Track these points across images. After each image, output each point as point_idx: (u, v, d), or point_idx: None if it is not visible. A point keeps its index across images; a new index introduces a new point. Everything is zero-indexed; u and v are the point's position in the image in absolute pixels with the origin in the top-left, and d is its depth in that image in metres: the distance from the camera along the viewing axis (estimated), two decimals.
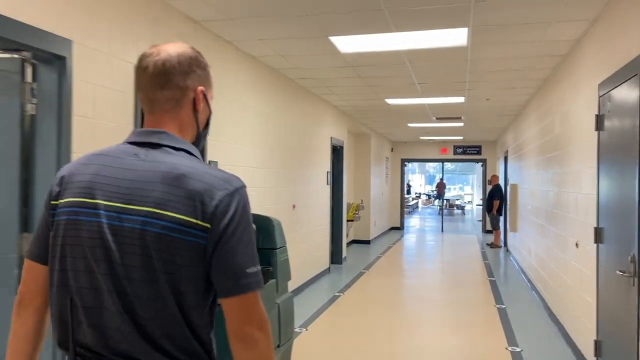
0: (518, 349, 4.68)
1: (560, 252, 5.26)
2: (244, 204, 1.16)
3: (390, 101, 7.92)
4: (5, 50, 2.51)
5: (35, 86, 2.59)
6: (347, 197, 10.80)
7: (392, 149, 15.63)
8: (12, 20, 2.37)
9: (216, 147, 4.47)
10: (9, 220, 2.53)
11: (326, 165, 8.22)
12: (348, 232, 10.67)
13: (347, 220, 10.31)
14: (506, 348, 4.71)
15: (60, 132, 2.63)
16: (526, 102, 7.90)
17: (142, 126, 1.26)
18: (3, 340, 1.30)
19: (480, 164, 15.65)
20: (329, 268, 8.37)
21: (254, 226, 1.30)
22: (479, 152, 15.20)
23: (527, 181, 8.03)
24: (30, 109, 2.57)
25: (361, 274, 8.32)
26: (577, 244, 4.52)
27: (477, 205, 24.66)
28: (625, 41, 3.27)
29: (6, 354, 1.23)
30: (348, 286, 7.33)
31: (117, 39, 3.14)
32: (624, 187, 3.24)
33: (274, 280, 3.25)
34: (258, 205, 5.30)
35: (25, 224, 2.56)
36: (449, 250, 11.80)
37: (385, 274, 8.36)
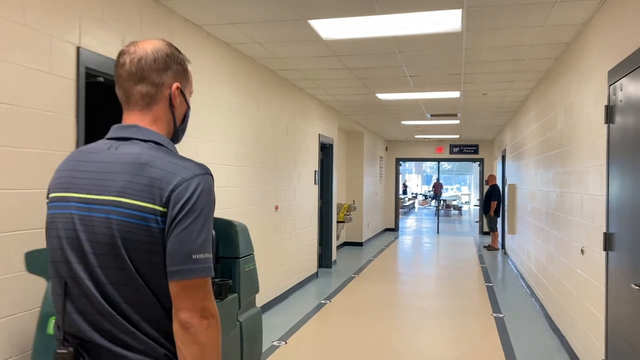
0: None
1: (563, 258, 4.83)
2: (202, 190, 1.16)
3: (381, 96, 7.48)
4: None
5: None
6: (337, 198, 10.35)
7: (386, 147, 15.19)
8: None
9: (183, 142, 4.02)
10: None
11: (314, 164, 7.77)
12: (339, 234, 10.22)
13: (338, 222, 9.87)
14: None
15: None
16: (525, 97, 7.46)
17: (120, 121, 1.32)
18: None
19: (478, 163, 15.22)
20: (316, 272, 7.93)
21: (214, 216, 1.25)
22: (476, 152, 14.78)
23: (526, 181, 7.60)
24: None
25: (351, 278, 7.88)
26: (582, 250, 4.08)
27: (475, 205, 24.28)
28: None
29: None
30: (336, 292, 6.89)
31: (47, 13, 2.69)
32: None
33: (235, 294, 2.80)
34: (235, 207, 4.86)
35: None
36: (445, 252, 11.37)
37: (375, 279, 7.92)
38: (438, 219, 16.50)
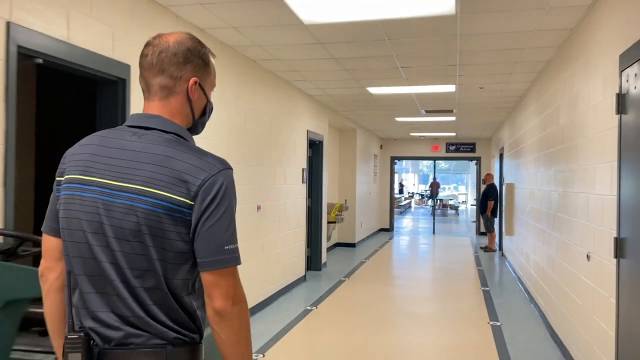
0: None
1: (566, 263, 4.44)
2: (227, 184, 1.23)
3: (372, 90, 7.08)
4: None
5: None
6: (328, 197, 9.95)
7: (381, 146, 14.80)
8: None
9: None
10: None
11: (302, 161, 7.37)
12: (330, 235, 9.83)
13: (329, 222, 9.48)
14: None
15: None
16: (525, 92, 7.08)
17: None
18: None
19: (475, 162, 14.85)
20: (304, 276, 7.53)
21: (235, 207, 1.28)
22: (472, 150, 14.40)
23: (524, 180, 7.21)
24: None
25: (340, 282, 7.48)
26: (588, 256, 3.70)
27: (472, 205, 23.93)
28: None
29: (49, 334, 1.37)
30: (323, 297, 6.49)
31: None
32: None
33: None
34: None
35: None
36: (440, 254, 10.98)
37: (366, 282, 7.53)
38: (434, 219, 16.10)
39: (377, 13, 3.88)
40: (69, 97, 4.65)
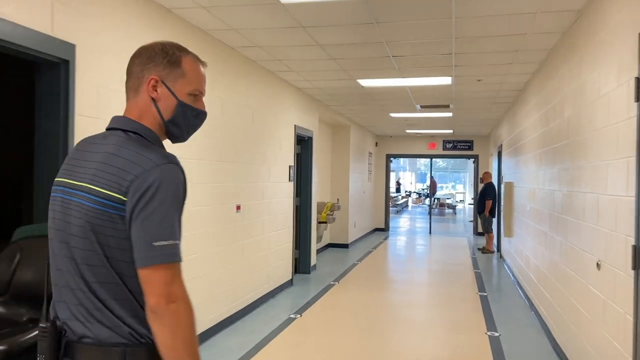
0: None
1: (572, 270, 4.02)
2: (163, 179, 1.21)
3: (363, 82, 6.65)
4: None
5: None
6: (319, 196, 9.53)
7: (376, 143, 14.37)
8: None
9: (93, 125, 3.19)
10: None
11: (289, 158, 6.94)
12: (321, 236, 9.41)
13: (320, 222, 9.05)
14: None
15: None
16: (525, 85, 6.65)
17: None
18: None
19: (472, 160, 14.43)
20: (291, 280, 7.10)
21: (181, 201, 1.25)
22: (470, 148, 13.98)
23: (524, 179, 6.79)
24: None
25: (330, 286, 7.06)
26: (598, 265, 3.28)
27: (469, 204, 23.54)
28: None
29: None
30: (310, 304, 6.06)
31: None
32: None
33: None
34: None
35: None
36: (436, 255, 10.57)
37: (357, 287, 7.11)
38: (430, 218, 15.67)
39: None
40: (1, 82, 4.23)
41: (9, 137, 4.60)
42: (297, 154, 7.83)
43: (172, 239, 1.20)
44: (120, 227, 1.21)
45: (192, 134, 1.45)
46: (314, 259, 8.23)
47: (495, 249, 10.64)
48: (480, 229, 12.09)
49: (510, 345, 4.66)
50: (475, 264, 9.15)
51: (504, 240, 9.29)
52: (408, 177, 38.09)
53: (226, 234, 5.03)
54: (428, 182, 27.30)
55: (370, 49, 5.00)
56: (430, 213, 16.16)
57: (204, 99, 1.43)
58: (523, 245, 6.86)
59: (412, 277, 8.00)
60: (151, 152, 1.24)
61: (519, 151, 7.38)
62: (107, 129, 1.36)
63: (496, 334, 4.97)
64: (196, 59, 1.40)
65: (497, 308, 6.01)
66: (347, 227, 10.92)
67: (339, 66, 5.75)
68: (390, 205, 17.46)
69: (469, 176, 28.67)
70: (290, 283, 7.05)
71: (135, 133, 1.30)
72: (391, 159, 14.90)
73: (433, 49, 4.96)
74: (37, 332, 1.34)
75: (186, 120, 1.38)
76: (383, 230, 14.50)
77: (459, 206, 26.94)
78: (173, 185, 1.22)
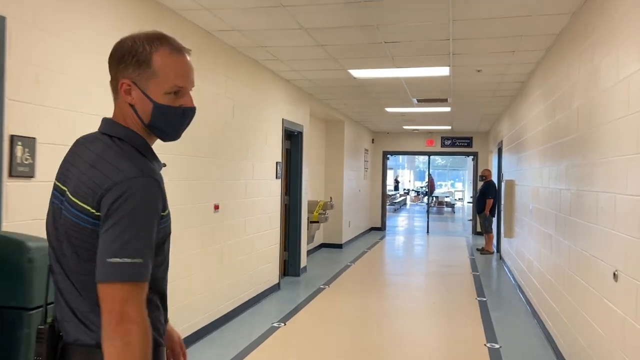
0: None
1: (582, 279, 3.60)
2: (131, 194, 1.15)
3: (355, 73, 6.22)
4: None
5: None
6: (311, 194, 9.10)
7: (372, 140, 13.93)
8: None
9: (74, 121, 2.76)
10: None
11: (276, 154, 6.51)
12: (313, 236, 8.98)
13: (311, 222, 8.62)
14: None
15: None
16: (529, 76, 6.22)
17: None
18: None
19: (471, 157, 14.01)
20: (278, 284, 6.67)
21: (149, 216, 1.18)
22: (469, 145, 13.55)
23: (527, 177, 6.37)
24: None
25: (319, 290, 6.64)
26: (615, 275, 2.86)
27: (468, 202, 23.13)
28: None
29: None
30: (296, 310, 5.64)
31: None
32: None
33: None
34: None
35: None
36: (434, 256, 10.15)
37: (348, 291, 6.68)
38: (428, 217, 15.23)
39: None
40: None
41: None
42: (287, 149, 7.41)
43: (128, 256, 1.13)
44: (89, 239, 1.18)
45: (181, 132, 1.37)
46: (304, 261, 7.81)
47: (494, 250, 10.23)
48: (479, 228, 11.66)
49: (513, 358, 4.25)
50: (474, 266, 8.74)
51: (504, 240, 8.87)
52: (407, 175, 37.66)
53: (203, 236, 4.61)
54: (426, 180, 26.87)
55: (360, 34, 4.56)
56: (428, 212, 15.72)
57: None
58: (525, 247, 6.44)
59: (408, 281, 7.57)
60: (126, 164, 1.19)
61: (520, 147, 6.95)
62: (99, 132, 1.29)
63: (496, 346, 4.55)
64: (172, 50, 1.26)
65: (497, 315, 5.59)
66: (341, 226, 10.50)
67: (327, 54, 5.31)
68: (388, 203, 17.06)
69: (467, 174, 28.27)
70: (277, 287, 6.62)
71: (120, 139, 1.25)
72: (388, 156, 14.47)
73: (429, 34, 4.53)
74: None
75: (168, 121, 1.30)
76: (379, 229, 14.08)
77: (458, 204, 26.52)
78: (142, 199, 1.17)
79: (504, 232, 8.21)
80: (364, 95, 7.93)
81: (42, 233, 1.41)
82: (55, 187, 1.28)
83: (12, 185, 2.57)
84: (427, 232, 14.24)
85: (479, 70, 5.95)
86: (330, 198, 10.26)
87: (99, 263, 1.14)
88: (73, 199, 1.19)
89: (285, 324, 5.10)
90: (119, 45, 1.26)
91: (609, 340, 2.98)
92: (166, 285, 1.35)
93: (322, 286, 6.88)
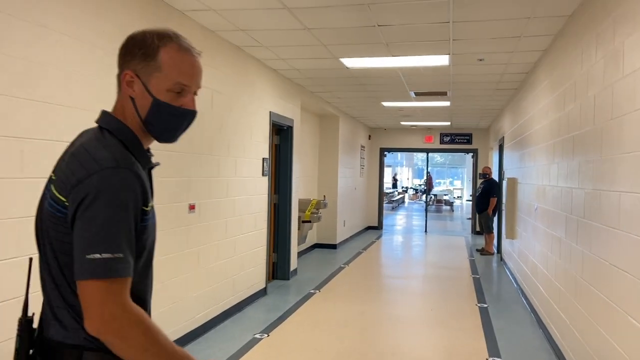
0: None
1: (599, 291, 3.16)
2: (104, 186, 1.11)
3: (347, 62, 5.77)
4: None
5: None
6: (303, 192, 8.66)
7: (369, 136, 13.49)
8: None
9: (38, 111, 2.32)
10: None
11: (262, 149, 6.06)
12: (306, 236, 8.54)
13: (303, 222, 8.18)
14: None
15: None
16: (534, 65, 5.77)
17: None
18: None
19: (471, 154, 13.57)
20: (265, 289, 6.23)
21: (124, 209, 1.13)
22: (469, 141, 13.12)
23: (532, 174, 5.93)
24: None
25: (309, 296, 6.20)
26: None
27: (467, 200, 22.70)
28: None
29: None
30: (282, 319, 5.20)
31: None
32: None
33: None
34: None
35: None
36: (431, 257, 9.72)
37: (340, 296, 6.25)
38: (426, 216, 14.79)
39: None
40: None
41: None
42: (275, 145, 6.97)
43: (107, 252, 1.08)
44: (63, 230, 1.14)
45: (179, 134, 1.30)
46: (294, 263, 7.37)
47: (495, 251, 9.80)
48: (478, 228, 11.23)
49: None
50: (473, 268, 8.30)
51: (505, 241, 8.44)
52: (405, 173, 37.22)
53: (176, 239, 4.16)
54: (425, 178, 26.43)
55: (350, 16, 4.12)
56: (426, 210, 15.28)
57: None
58: (528, 250, 6.00)
59: (404, 285, 7.14)
60: (103, 154, 1.14)
61: (524, 143, 6.51)
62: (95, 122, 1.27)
63: None
64: (181, 47, 1.24)
65: (499, 325, 5.16)
66: (335, 226, 10.06)
67: (316, 39, 4.87)
68: (386, 201, 16.60)
69: (466, 172, 27.83)
70: (263, 292, 6.18)
71: (108, 131, 1.22)
72: (385, 153, 14.03)
73: (427, 16, 4.09)
74: None
75: (164, 120, 1.25)
76: (376, 228, 13.65)
77: (457, 203, 26.09)
78: (118, 191, 1.11)
79: (506, 232, 7.77)
80: (359, 88, 7.48)
81: None
82: (49, 178, 1.24)
83: None
84: (425, 231, 13.81)
85: (480, 60, 5.51)
86: (324, 196, 9.82)
87: (76, 258, 1.09)
88: (53, 189, 1.16)
89: (268, 335, 4.66)
90: (130, 37, 1.25)
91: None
92: (148, 291, 1.28)
93: (312, 291, 6.44)
